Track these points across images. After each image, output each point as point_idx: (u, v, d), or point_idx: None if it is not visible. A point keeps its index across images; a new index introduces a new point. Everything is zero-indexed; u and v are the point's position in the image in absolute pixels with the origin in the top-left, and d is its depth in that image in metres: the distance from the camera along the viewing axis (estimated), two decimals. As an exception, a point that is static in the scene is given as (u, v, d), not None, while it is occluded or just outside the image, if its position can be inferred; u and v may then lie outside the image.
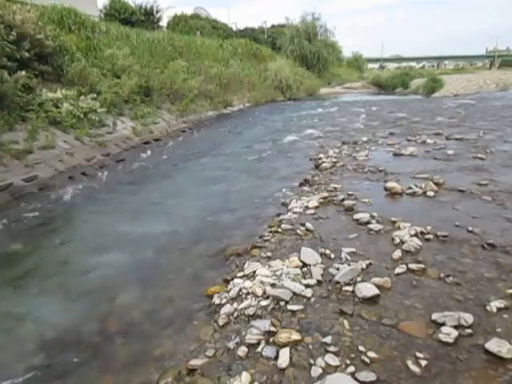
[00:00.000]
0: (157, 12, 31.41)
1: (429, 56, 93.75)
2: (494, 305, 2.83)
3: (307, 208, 5.04)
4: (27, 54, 9.28)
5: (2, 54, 8.44)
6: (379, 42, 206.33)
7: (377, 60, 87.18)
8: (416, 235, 4.01)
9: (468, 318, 2.66)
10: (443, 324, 2.65)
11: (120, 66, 12.86)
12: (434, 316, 2.72)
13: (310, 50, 38.13)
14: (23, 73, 8.65)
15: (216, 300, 3.23)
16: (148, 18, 30.02)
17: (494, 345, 2.41)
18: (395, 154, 7.92)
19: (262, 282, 3.26)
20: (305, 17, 40.63)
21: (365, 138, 9.87)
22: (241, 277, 3.48)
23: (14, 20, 9.27)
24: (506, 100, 20.65)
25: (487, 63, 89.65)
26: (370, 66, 79.86)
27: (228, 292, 3.28)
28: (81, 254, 4.67)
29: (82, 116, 9.50)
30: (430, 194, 5.35)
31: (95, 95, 10.47)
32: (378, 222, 4.43)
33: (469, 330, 2.59)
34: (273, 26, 47.54)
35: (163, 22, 34.19)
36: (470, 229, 4.16)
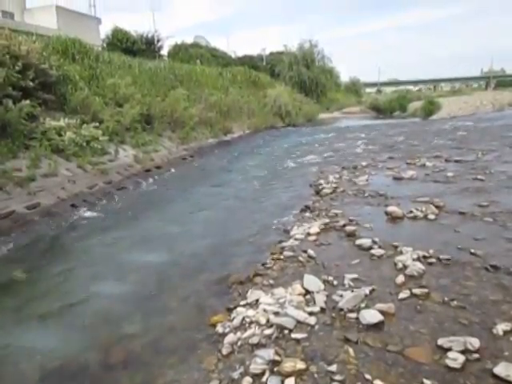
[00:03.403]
0: (158, 41, 32.14)
1: (425, 79, 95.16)
2: (501, 328, 2.79)
3: (309, 234, 5.04)
4: (31, 84, 9.43)
5: (8, 84, 8.60)
6: (376, 66, 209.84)
7: (374, 84, 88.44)
8: (418, 259, 4.00)
9: (474, 342, 2.62)
10: (449, 349, 2.61)
11: (122, 94, 13.07)
12: (440, 341, 2.69)
13: (308, 77, 38.80)
14: (27, 101, 8.79)
15: (219, 329, 3.20)
16: (149, 46, 30.72)
17: (503, 369, 2.38)
18: (395, 178, 7.95)
19: (265, 310, 3.23)
20: (302, 44, 41.62)
21: (364, 163, 9.92)
22: (244, 305, 3.46)
23: (19, 50, 9.49)
24: (503, 120, 20.86)
25: (483, 84, 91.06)
26: (368, 90, 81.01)
27: (231, 321, 3.26)
28: (82, 282, 4.66)
29: (84, 144, 9.61)
30: (431, 217, 5.35)
31: (97, 123, 10.61)
32: (379, 247, 4.42)
33: (476, 355, 2.55)
34: (271, 53, 48.45)
35: (164, 51, 34.98)
36: (472, 251, 4.14)
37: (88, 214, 7.39)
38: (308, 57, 40.54)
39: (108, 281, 4.63)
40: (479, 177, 7.39)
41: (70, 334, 3.59)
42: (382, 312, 3.06)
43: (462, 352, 2.57)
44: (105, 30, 30.05)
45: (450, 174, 7.80)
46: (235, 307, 3.47)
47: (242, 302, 3.53)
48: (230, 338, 3.01)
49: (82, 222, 6.97)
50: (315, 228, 5.17)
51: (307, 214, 6.11)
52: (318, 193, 7.46)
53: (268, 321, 3.10)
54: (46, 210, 7.21)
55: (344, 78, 59.65)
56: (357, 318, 3.06)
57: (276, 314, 3.18)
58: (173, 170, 11.70)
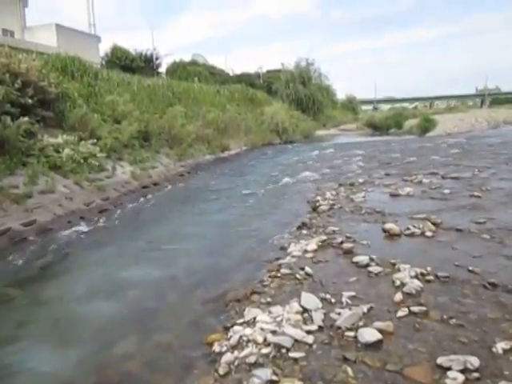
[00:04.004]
0: (156, 59, 32.54)
1: (421, 96, 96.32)
2: (500, 346, 2.77)
3: (306, 251, 5.01)
4: (30, 101, 9.51)
5: (6, 101, 8.66)
6: (372, 83, 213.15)
7: (370, 102, 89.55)
8: (416, 277, 3.98)
9: (474, 361, 2.60)
10: (449, 368, 2.58)
11: (120, 111, 13.16)
12: (440, 360, 2.66)
13: (304, 94, 39.31)
14: (26, 118, 8.84)
15: (216, 348, 3.16)
16: (148, 64, 31.09)
17: (503, 389, 2.35)
18: (392, 195, 7.95)
19: (262, 328, 3.19)
20: (299, 62, 42.34)
21: (361, 180, 9.94)
22: (241, 324, 3.41)
23: (19, 68, 9.59)
24: (498, 137, 21.03)
25: (478, 102, 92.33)
26: (364, 107, 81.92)
27: (228, 340, 3.21)
28: (78, 300, 4.60)
29: (81, 161, 9.62)
30: (429, 234, 5.34)
31: (95, 140, 10.66)
32: (377, 264, 4.40)
33: (476, 374, 2.52)
34: (268, 71, 49.04)
35: (162, 69, 35.36)
36: (470, 268, 4.13)
37: (84, 230, 7.36)
38: (305, 74, 41.17)
39: (103, 298, 4.58)
40: (476, 193, 7.40)
41: (66, 354, 3.53)
42: (380, 330, 3.03)
43: (462, 371, 2.54)
44: (104, 47, 30.41)
45: (446, 191, 7.82)
46: (232, 325, 3.43)
47: (239, 321, 3.49)
48: (227, 357, 2.97)
49: (78, 239, 6.93)
50: (312, 245, 5.15)
51: (304, 231, 6.09)
52: (315, 209, 7.45)
53: (265, 339, 3.06)
54: (42, 226, 7.18)
55: (341, 95, 60.43)
56: (355, 337, 3.03)
57: (273, 332, 3.14)
58: (170, 187, 11.71)
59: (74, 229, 7.37)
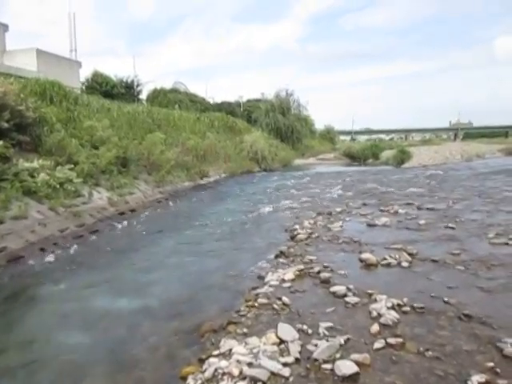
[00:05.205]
0: (137, 86, 32.67)
1: (397, 129, 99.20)
2: (475, 380, 2.78)
3: (283, 281, 4.99)
4: (6, 125, 9.37)
5: (-20, 125, 8.52)
6: (350, 115, 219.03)
7: (348, 132, 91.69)
8: (393, 308, 4.00)
9: (450, 395, 2.60)
10: (425, 403, 2.58)
11: (99, 137, 13.07)
12: (416, 394, 2.65)
13: (284, 123, 40.02)
14: (0, 142, 8.68)
15: (190, 382, 3.06)
16: (128, 90, 31.15)
17: (479, 424, 2.35)
18: (369, 225, 8.05)
19: (238, 360, 3.12)
20: (279, 92, 43.33)
21: (339, 209, 10.04)
22: (216, 355, 3.33)
23: (-5, 92, 9.49)
24: (472, 170, 21.65)
25: (452, 135, 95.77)
26: (342, 137, 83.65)
27: (203, 372, 3.12)
28: (47, 332, 4.43)
29: (57, 186, 9.42)
30: (405, 264, 5.41)
31: (72, 166, 10.51)
32: (354, 294, 4.42)
33: (451, 409, 2.52)
34: (248, 101, 49.76)
35: (143, 95, 35.49)
36: (445, 299, 4.19)
37: (57, 258, 7.15)
38: (284, 105, 42.08)
39: (74, 329, 4.42)
40: (450, 225, 7.57)
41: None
42: (357, 363, 3.01)
43: (438, 405, 2.53)
44: (86, 73, 30.37)
45: (422, 222, 7.96)
46: (207, 357, 3.34)
47: (215, 352, 3.41)
48: (202, 391, 2.89)
49: (50, 267, 6.72)
50: (290, 274, 5.13)
51: (282, 260, 6.07)
52: (292, 238, 7.46)
53: (241, 372, 2.99)
54: (13, 254, 6.94)
55: (319, 125, 61.57)
56: (332, 369, 2.99)
57: (249, 364, 3.08)
58: (147, 214, 11.55)
59: (46, 256, 7.15)
